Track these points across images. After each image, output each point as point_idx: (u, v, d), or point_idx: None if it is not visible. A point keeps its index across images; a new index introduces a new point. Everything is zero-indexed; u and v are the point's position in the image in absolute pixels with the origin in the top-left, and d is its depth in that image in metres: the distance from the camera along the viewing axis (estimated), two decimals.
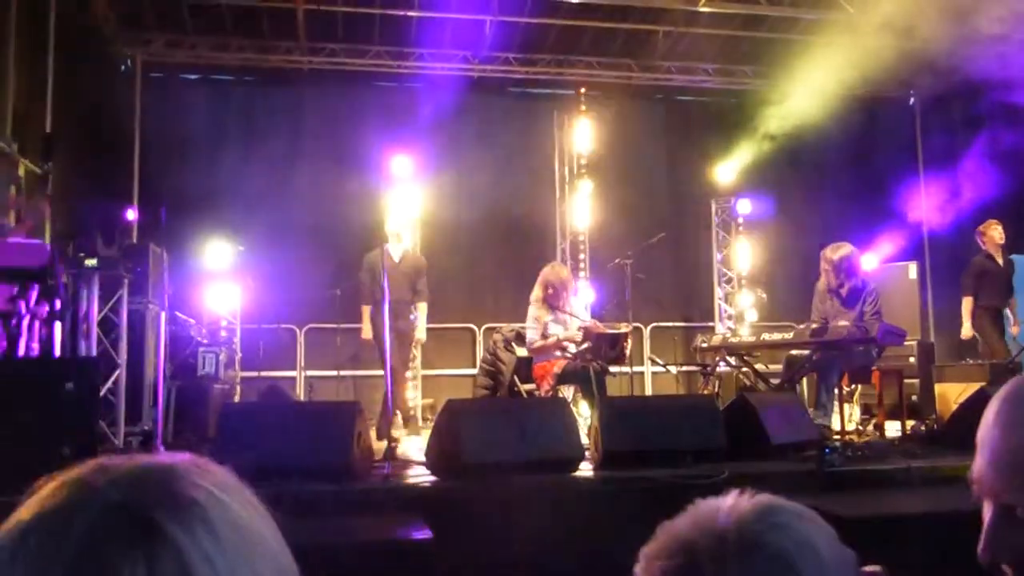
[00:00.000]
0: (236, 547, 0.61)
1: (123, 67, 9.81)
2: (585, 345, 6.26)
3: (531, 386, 6.70)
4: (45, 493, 0.61)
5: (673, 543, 0.84)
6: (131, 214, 6.85)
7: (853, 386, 7.27)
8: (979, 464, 0.99)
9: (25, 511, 0.60)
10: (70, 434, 3.95)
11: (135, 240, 7.71)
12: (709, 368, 8.25)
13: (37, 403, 4.04)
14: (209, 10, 9.34)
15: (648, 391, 10.00)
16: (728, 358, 7.51)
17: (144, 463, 0.63)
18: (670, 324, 10.71)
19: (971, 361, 7.70)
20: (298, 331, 9.71)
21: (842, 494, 4.23)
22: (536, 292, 6.66)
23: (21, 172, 6.82)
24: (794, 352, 6.78)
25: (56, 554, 0.56)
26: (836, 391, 6.42)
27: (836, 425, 6.36)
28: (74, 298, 5.06)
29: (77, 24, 8.28)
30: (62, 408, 4.04)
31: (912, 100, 11.60)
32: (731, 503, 0.86)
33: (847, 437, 5.97)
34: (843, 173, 11.07)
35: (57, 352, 4.96)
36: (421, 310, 7.57)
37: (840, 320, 6.43)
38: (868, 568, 0.94)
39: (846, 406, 6.78)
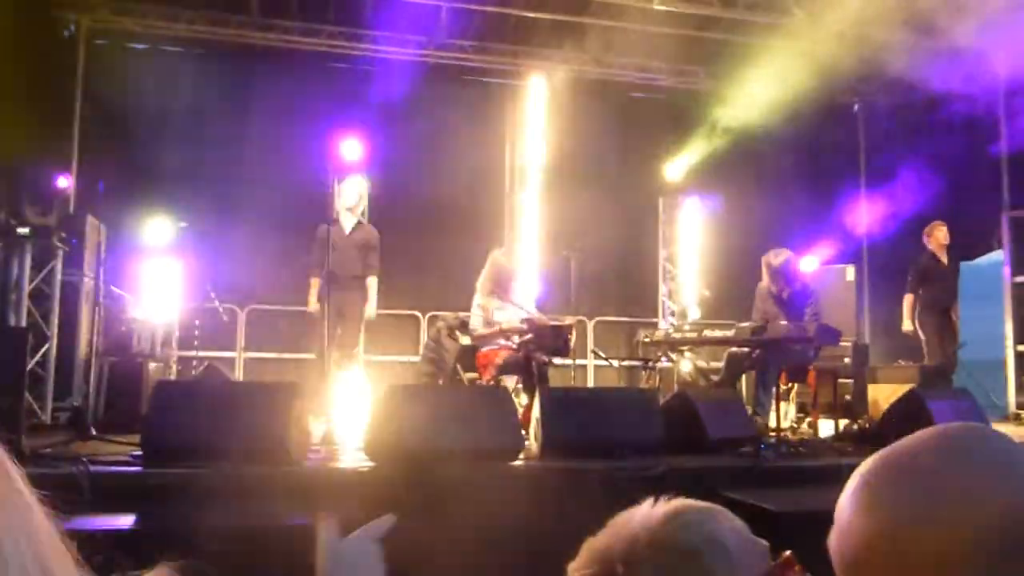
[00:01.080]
0: None
1: (66, 32, 9.49)
2: (528, 336, 6.26)
3: (474, 375, 6.68)
4: None
5: (592, 554, 0.88)
6: (63, 181, 6.57)
7: (790, 384, 7.40)
8: (832, 538, 0.86)
9: None
10: None
11: (72, 210, 7.48)
12: (651, 363, 8.32)
13: None
14: None
15: (590, 384, 10.05)
16: (670, 353, 7.59)
17: None
18: (614, 319, 10.79)
19: (903, 363, 7.93)
20: (239, 311, 9.53)
21: (776, 489, 4.29)
22: (483, 278, 6.64)
23: None
24: (735, 350, 6.89)
25: None
26: (774, 389, 6.54)
27: (772, 422, 6.48)
28: (4, 266, 4.90)
29: None
30: None
31: (856, 107, 11.84)
32: (644, 510, 0.90)
33: (782, 434, 6.09)
34: (788, 176, 11.25)
35: None
36: (371, 285, 7.23)
37: (780, 321, 6.57)
38: (781, 558, 0.97)
39: (782, 404, 6.91)
